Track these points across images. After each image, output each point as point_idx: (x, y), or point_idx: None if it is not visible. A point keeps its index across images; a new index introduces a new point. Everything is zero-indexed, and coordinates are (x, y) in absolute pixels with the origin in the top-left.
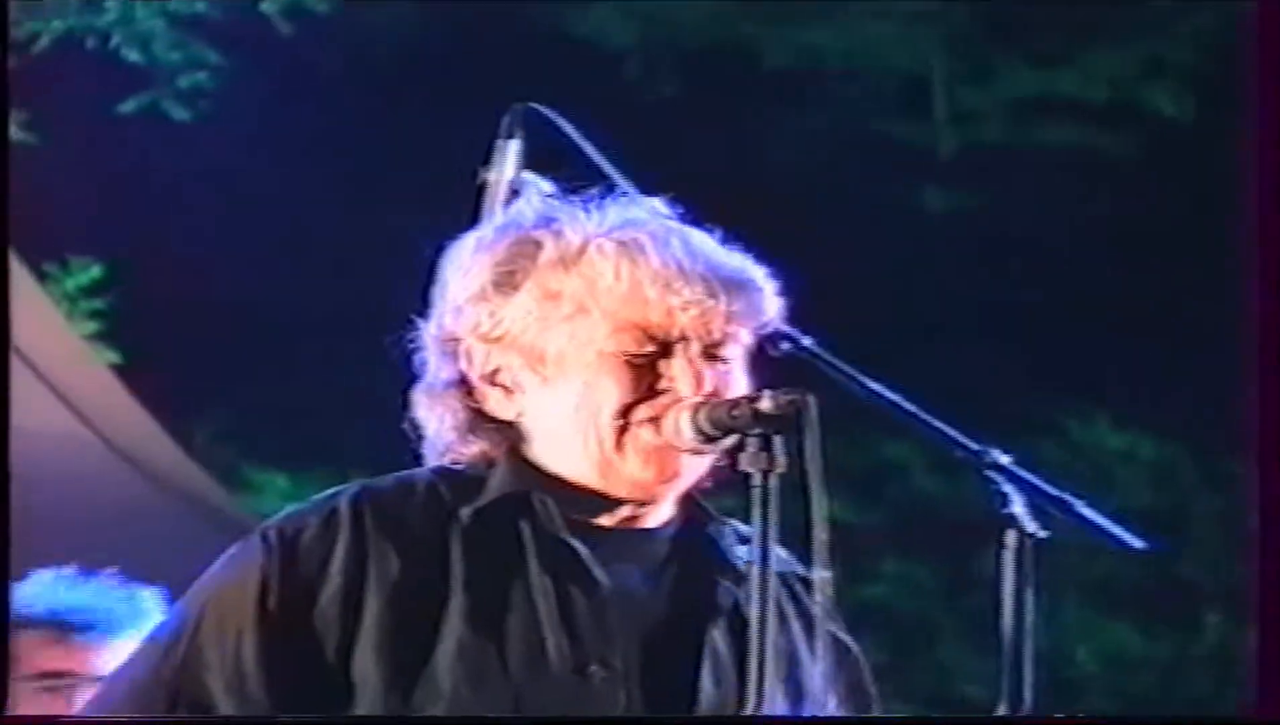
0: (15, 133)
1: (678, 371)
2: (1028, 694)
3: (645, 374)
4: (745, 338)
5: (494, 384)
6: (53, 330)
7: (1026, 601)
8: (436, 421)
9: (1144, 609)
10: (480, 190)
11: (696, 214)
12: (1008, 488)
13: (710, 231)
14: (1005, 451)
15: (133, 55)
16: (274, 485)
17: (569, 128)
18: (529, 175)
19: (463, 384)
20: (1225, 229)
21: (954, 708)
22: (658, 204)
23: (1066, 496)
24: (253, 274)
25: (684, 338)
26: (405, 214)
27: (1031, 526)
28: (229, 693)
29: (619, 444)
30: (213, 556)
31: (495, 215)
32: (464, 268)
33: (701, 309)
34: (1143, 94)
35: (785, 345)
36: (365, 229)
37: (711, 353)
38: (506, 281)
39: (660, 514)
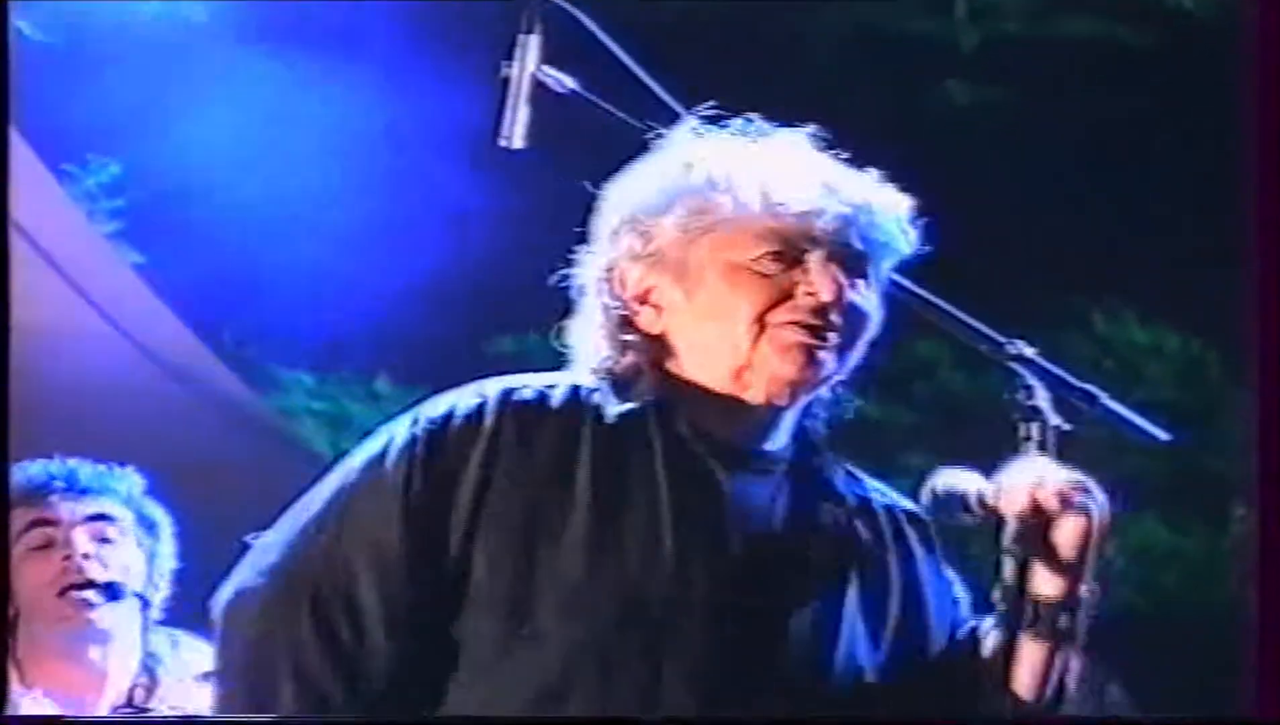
0: (28, 29)
1: (814, 276)
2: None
3: (782, 280)
4: (881, 257)
5: (645, 302)
6: (74, 229)
7: None
8: (591, 345)
9: (1171, 502)
10: (503, 85)
11: (727, 114)
12: (1033, 381)
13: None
14: (1030, 343)
15: None
16: (301, 384)
17: (589, 22)
18: (550, 70)
19: (617, 305)
20: (1249, 123)
21: (985, 603)
22: (802, 136)
23: (1092, 389)
24: (277, 176)
25: (818, 244)
26: (432, 113)
27: (1056, 419)
28: (373, 581)
29: (755, 345)
30: (238, 454)
31: (518, 108)
32: (619, 198)
33: (836, 217)
34: None
35: None
36: (392, 129)
37: (844, 261)
38: (658, 204)
39: (779, 440)
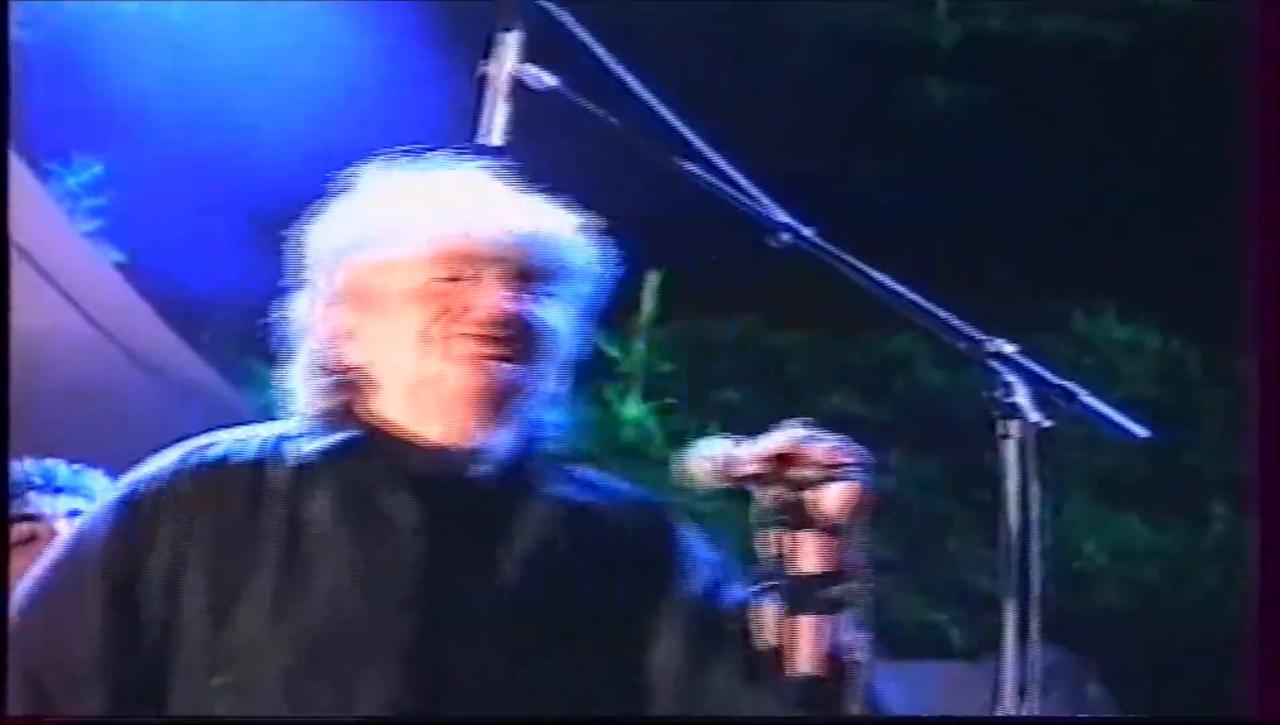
0: (15, 31)
1: (483, 292)
2: (1035, 587)
3: (453, 299)
4: (565, 276)
5: (344, 340)
6: (55, 228)
7: (1032, 492)
8: (298, 387)
9: (1151, 501)
10: (480, 83)
11: (699, 112)
12: (1012, 378)
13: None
14: (1010, 341)
15: None
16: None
17: (569, 19)
18: (530, 68)
19: (319, 348)
20: (1228, 119)
21: (966, 602)
22: (480, 168)
23: (1071, 386)
24: (253, 171)
25: (489, 265)
26: (413, 109)
27: (1035, 416)
28: (84, 653)
29: (427, 361)
30: None
31: (496, 108)
32: (312, 238)
33: (505, 239)
34: None
35: (786, 236)
36: (371, 126)
37: (517, 279)
38: (346, 244)
39: (485, 462)
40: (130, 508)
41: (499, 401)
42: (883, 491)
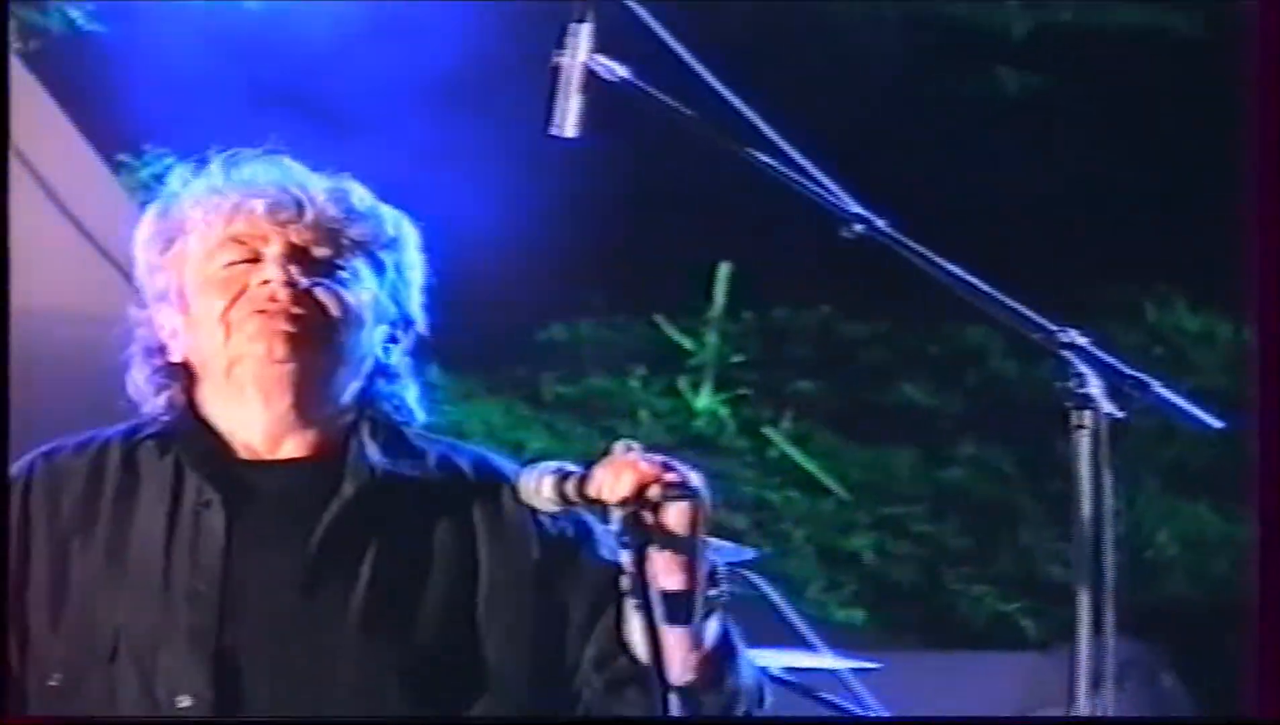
0: (84, 22)
1: (266, 268)
2: (1109, 577)
3: (242, 279)
4: (358, 245)
5: (165, 338)
6: (127, 219)
7: (1104, 482)
8: (136, 386)
9: (1222, 490)
10: (554, 73)
11: (770, 104)
12: (1084, 368)
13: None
14: (1082, 332)
15: None
16: None
17: (642, 11)
18: (601, 59)
19: (150, 348)
20: None
21: (1039, 593)
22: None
23: (1144, 376)
24: (323, 158)
25: (271, 242)
26: (490, 105)
27: (1108, 407)
28: None
29: (230, 341)
30: None
31: (570, 97)
32: (136, 245)
33: (266, 211)
34: None
35: (859, 227)
36: (440, 121)
37: (303, 252)
38: (155, 250)
39: (305, 442)
40: None
41: (304, 377)
42: (952, 481)
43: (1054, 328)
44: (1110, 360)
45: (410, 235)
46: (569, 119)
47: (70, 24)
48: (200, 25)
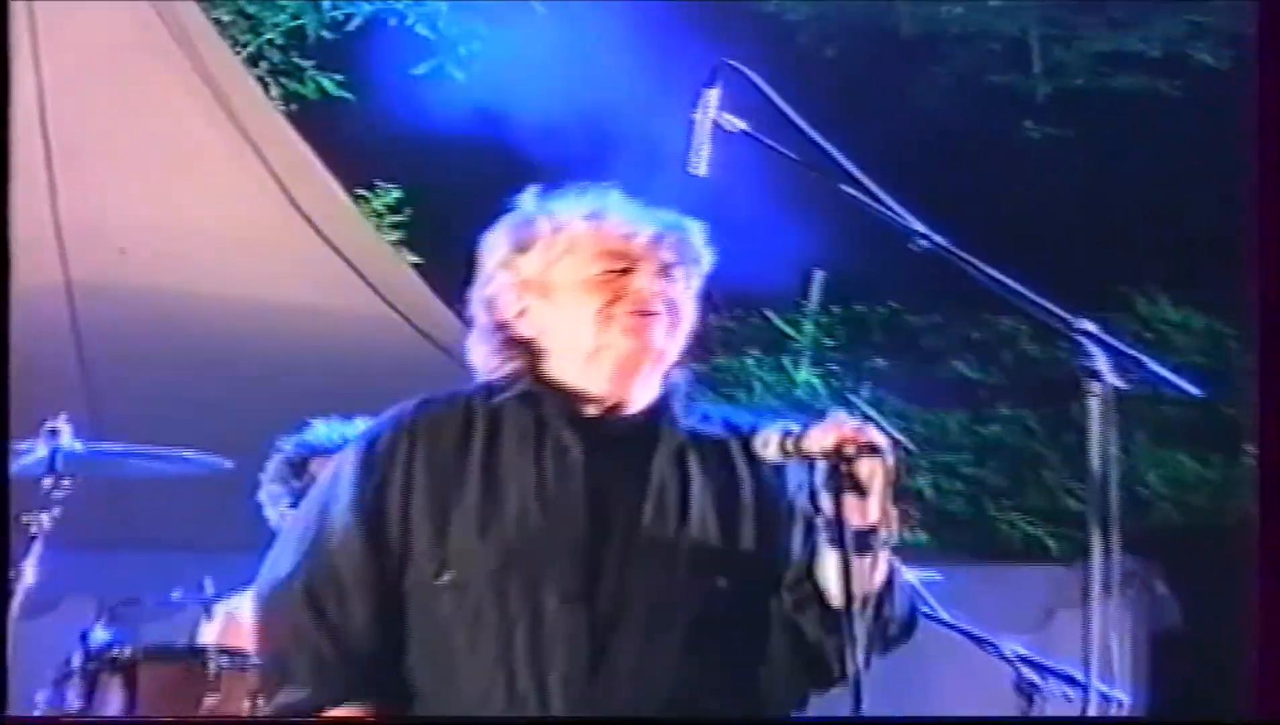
0: (334, 90)
1: (642, 279)
2: (1114, 509)
3: (619, 284)
4: (690, 268)
5: (520, 318)
6: (367, 238)
7: (1109, 436)
8: (482, 356)
9: (1198, 442)
10: (691, 127)
11: (859, 147)
12: (1094, 349)
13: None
14: (1091, 321)
15: (423, 30)
16: None
17: (757, 78)
18: (727, 116)
19: (500, 326)
20: (1255, 162)
21: (1061, 520)
22: (616, 193)
23: (1139, 355)
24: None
25: (642, 259)
26: (642, 151)
27: (1112, 379)
28: (347, 566)
29: (604, 331)
30: None
31: (702, 146)
32: (491, 246)
33: (653, 237)
34: (1190, 49)
35: (923, 241)
36: (609, 169)
37: (663, 270)
38: (521, 246)
39: (636, 403)
40: (367, 457)
41: (652, 363)
42: (991, 435)
43: (1070, 317)
44: (1113, 342)
45: (706, 255)
46: (701, 162)
47: (323, 91)
48: (420, 92)
